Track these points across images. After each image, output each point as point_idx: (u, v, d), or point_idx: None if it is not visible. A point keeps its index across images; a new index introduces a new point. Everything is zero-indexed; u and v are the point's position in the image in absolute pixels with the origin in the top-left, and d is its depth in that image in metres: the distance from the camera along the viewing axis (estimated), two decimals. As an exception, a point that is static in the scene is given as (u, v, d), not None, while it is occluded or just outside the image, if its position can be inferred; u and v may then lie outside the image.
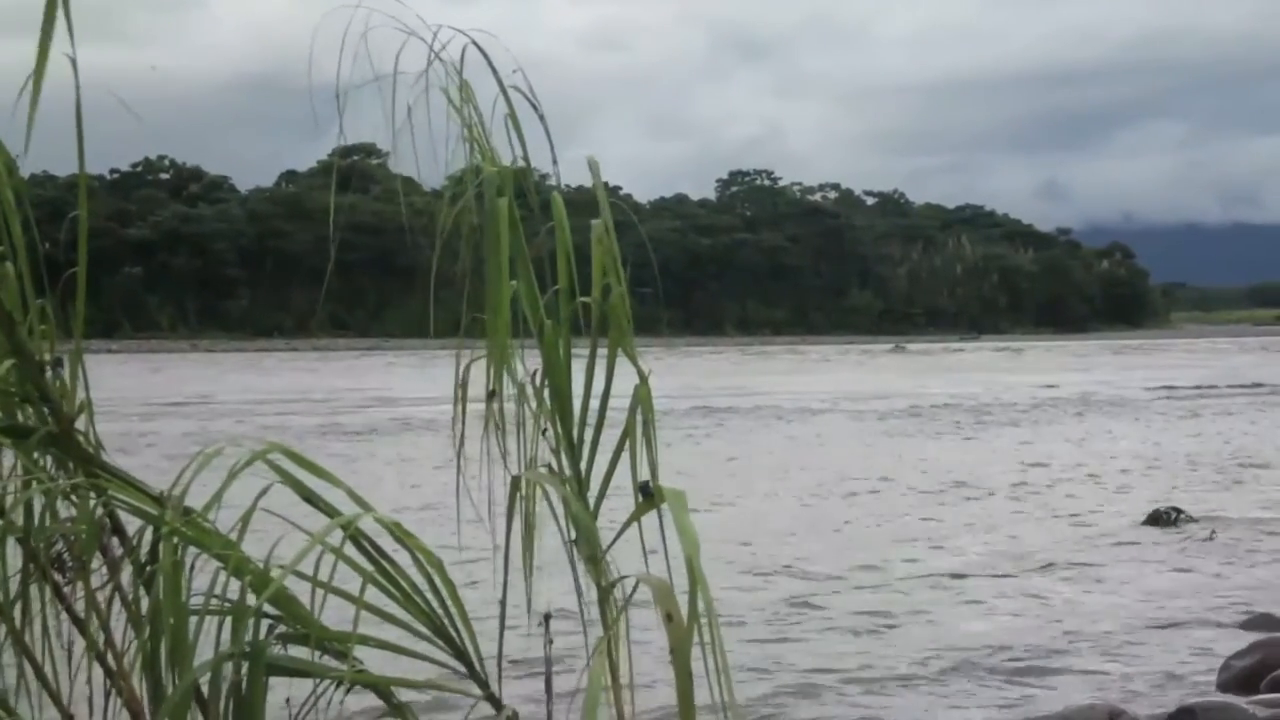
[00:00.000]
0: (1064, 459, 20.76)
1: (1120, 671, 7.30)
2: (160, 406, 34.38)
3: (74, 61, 2.94)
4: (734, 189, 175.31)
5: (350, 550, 2.94)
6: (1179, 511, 13.48)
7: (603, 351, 3.07)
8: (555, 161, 2.94)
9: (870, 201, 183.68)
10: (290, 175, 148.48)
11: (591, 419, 3.10)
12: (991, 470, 18.93)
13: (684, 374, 50.04)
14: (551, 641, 3.40)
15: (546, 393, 3.09)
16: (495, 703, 3.01)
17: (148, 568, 3.00)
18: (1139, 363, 69.33)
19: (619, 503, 3.09)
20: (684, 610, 2.70)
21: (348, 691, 2.92)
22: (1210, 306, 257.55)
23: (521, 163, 2.97)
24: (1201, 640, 8.07)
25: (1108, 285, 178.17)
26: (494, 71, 2.86)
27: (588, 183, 3.13)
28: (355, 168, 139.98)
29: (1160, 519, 13.29)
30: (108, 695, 3.21)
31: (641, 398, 2.96)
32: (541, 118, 2.90)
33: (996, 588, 9.92)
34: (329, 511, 2.89)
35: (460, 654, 3.00)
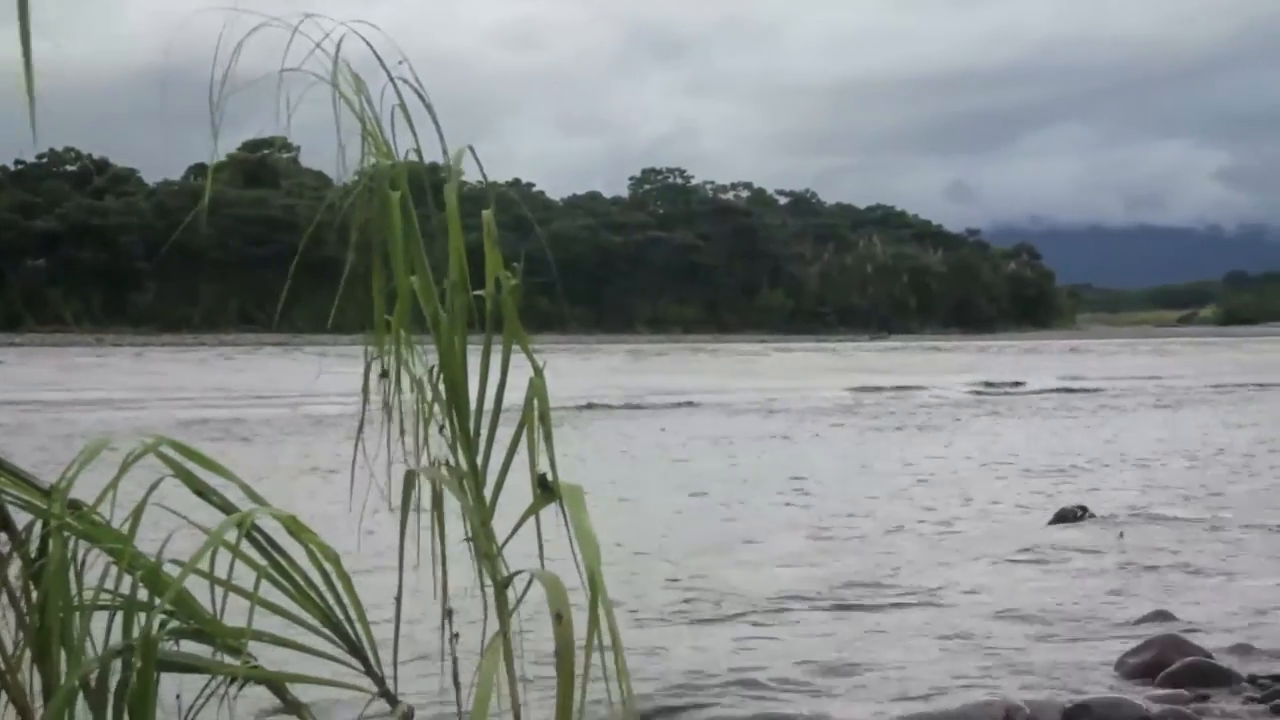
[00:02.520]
0: (953, 457, 20.96)
1: (1018, 667, 7.38)
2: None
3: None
4: (647, 187, 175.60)
5: (245, 546, 2.92)
6: (1084, 509, 13.68)
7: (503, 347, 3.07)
8: (445, 151, 2.93)
9: (782, 201, 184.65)
10: (199, 169, 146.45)
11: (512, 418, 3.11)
12: (884, 471, 19.08)
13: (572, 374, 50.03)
14: (457, 636, 3.38)
15: (442, 387, 3.09)
16: (391, 699, 3.00)
17: (37, 562, 2.96)
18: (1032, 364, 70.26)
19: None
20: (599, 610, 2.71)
21: (241, 688, 2.90)
22: (1115, 308, 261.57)
23: (415, 156, 2.96)
24: (1099, 636, 8.18)
25: (1015, 286, 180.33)
26: (380, 62, 2.85)
27: (499, 178, 3.12)
28: (266, 162, 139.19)
29: (1066, 517, 13.47)
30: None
31: (537, 391, 2.96)
32: (429, 107, 2.89)
33: (897, 584, 9.99)
34: (222, 506, 2.87)
35: (355, 650, 2.99)
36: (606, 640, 2.67)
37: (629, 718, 2.61)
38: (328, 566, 2.92)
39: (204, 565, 2.78)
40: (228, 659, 2.89)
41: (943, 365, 66.78)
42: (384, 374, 3.06)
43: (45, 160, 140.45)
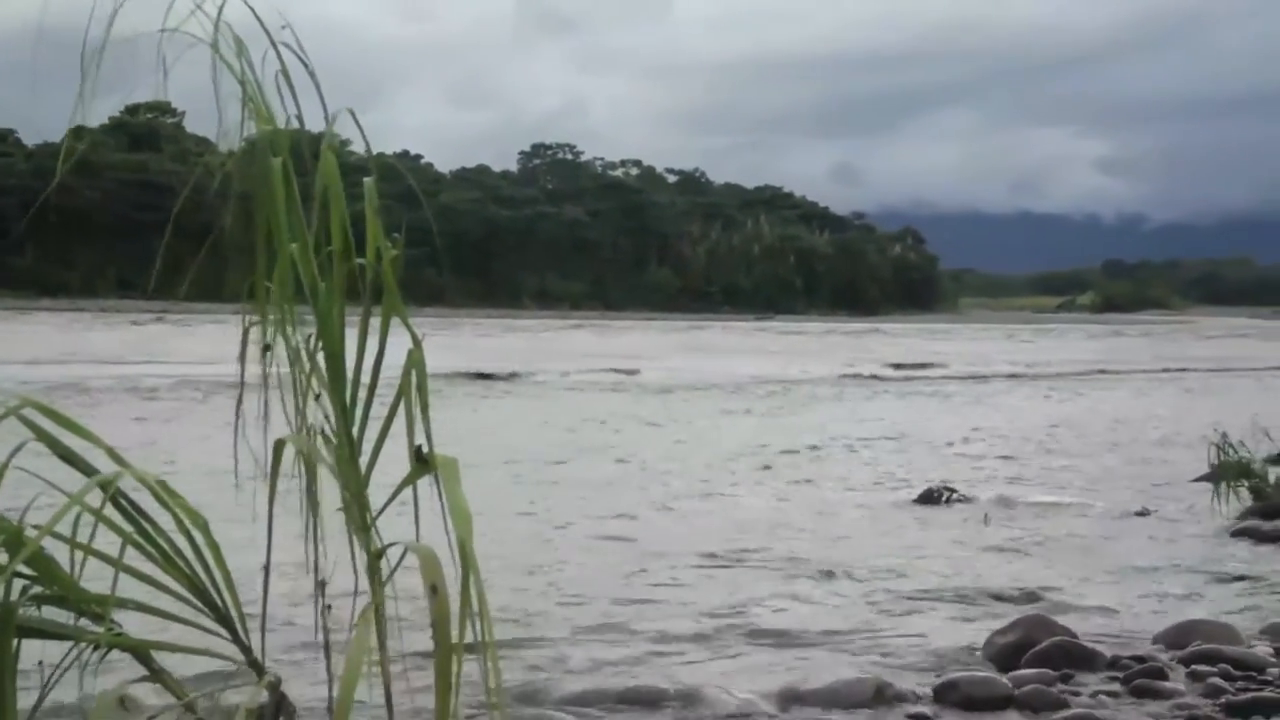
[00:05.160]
0: (814, 437, 21.04)
1: (888, 647, 7.48)
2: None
3: None
4: (536, 161, 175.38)
5: (112, 512, 2.88)
6: (951, 491, 13.70)
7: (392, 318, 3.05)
8: (327, 117, 2.90)
9: (671, 179, 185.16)
10: (79, 132, 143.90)
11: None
12: (745, 450, 19.14)
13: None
14: (329, 608, 3.36)
15: (320, 356, 3.07)
16: (258, 668, 2.98)
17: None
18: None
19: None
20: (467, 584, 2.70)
21: (104, 655, 2.86)
22: (995, 293, 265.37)
23: (296, 122, 2.93)
24: (968, 616, 8.31)
25: (900, 269, 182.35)
26: (262, 25, 2.81)
27: (386, 149, 3.10)
28: (149, 126, 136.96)
29: (932, 498, 13.50)
30: None
31: (415, 362, 2.94)
32: (311, 73, 2.86)
33: (761, 565, 10.04)
34: (87, 470, 2.83)
35: (223, 619, 2.96)
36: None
37: (499, 695, 2.61)
38: (195, 533, 2.89)
39: (68, 531, 2.74)
40: (90, 626, 2.85)
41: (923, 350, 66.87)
42: (266, 347, 3.03)
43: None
